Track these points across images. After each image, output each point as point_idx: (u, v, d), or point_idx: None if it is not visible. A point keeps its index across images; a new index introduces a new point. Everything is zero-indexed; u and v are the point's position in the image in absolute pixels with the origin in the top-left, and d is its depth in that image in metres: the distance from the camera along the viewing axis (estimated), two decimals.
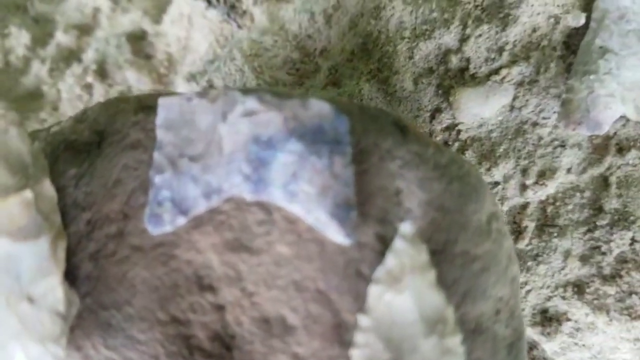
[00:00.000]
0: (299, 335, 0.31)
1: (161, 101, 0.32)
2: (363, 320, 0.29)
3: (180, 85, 0.55)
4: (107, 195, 0.33)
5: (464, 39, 0.45)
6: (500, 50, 0.44)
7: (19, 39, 0.62)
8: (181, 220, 0.31)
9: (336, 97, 0.34)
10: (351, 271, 0.31)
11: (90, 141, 0.34)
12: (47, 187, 0.31)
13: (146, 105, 0.35)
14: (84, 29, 0.63)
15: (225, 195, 0.31)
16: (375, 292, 0.29)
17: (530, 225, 0.45)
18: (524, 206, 0.45)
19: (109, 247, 0.32)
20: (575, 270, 0.45)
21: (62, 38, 0.63)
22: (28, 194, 0.30)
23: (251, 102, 0.31)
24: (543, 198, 0.45)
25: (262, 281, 0.31)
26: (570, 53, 0.44)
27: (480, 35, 0.44)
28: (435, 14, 0.45)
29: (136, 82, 0.60)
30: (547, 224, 0.45)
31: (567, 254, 0.44)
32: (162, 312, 0.32)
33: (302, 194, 0.30)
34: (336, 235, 0.30)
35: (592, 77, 0.41)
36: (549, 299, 0.45)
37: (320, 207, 0.30)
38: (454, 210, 0.32)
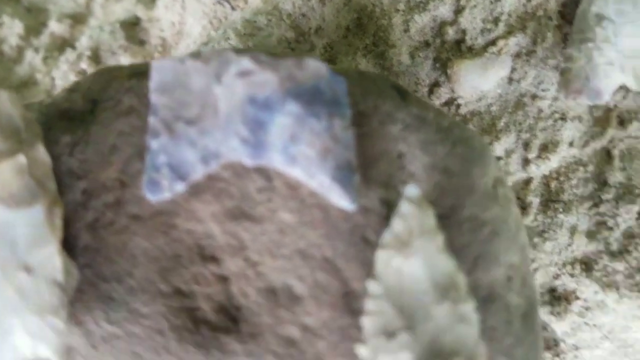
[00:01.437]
0: (307, 305, 0.30)
1: (154, 64, 0.31)
2: (373, 286, 0.28)
3: None
4: (102, 162, 0.32)
5: (458, 10, 0.44)
6: (496, 21, 0.43)
7: (12, 28, 0.61)
8: (179, 187, 0.30)
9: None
10: (357, 237, 0.30)
11: (84, 109, 0.33)
12: (41, 153, 0.30)
13: (139, 72, 0.34)
14: (78, 18, 0.63)
15: (224, 159, 0.30)
16: (383, 258, 0.28)
17: (534, 200, 0.44)
18: (527, 182, 0.45)
19: (107, 217, 0.31)
20: (582, 246, 0.44)
21: (55, 27, 0.62)
22: (21, 159, 0.29)
23: (245, 62, 0.30)
24: (546, 173, 0.44)
25: (267, 250, 0.30)
26: (566, 23, 0.44)
27: (475, 6, 0.43)
28: None
29: None
30: (551, 200, 0.44)
31: (573, 230, 0.44)
32: (164, 284, 0.31)
33: (302, 157, 0.29)
34: (340, 200, 0.29)
35: (590, 45, 0.40)
36: (557, 277, 0.44)
37: (322, 170, 0.29)
38: (459, 173, 0.31)
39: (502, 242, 0.31)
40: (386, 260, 0.28)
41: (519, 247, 0.31)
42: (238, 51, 0.31)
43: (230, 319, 0.30)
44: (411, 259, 0.28)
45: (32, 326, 0.28)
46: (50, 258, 0.29)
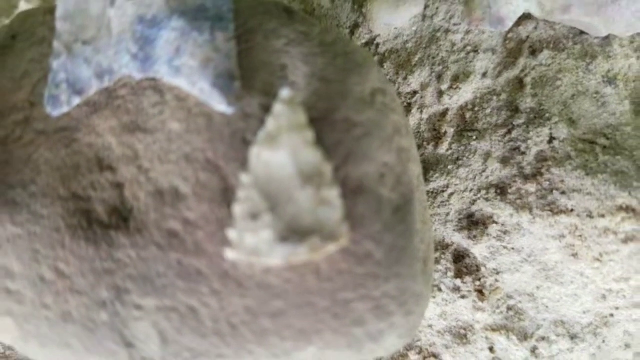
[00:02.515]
0: (189, 202, 0.32)
1: None
2: (244, 178, 0.30)
3: None
4: (15, 86, 0.35)
5: None
6: None
7: None
8: (76, 100, 0.33)
9: None
10: (238, 140, 0.32)
11: (4, 45, 0.37)
12: None
13: (53, 9, 0.37)
14: None
15: (117, 76, 0.33)
16: (255, 153, 0.30)
17: (449, 130, 0.46)
18: (444, 113, 0.46)
19: (16, 133, 0.34)
20: (496, 172, 0.45)
21: (24, 7, 0.66)
22: None
23: None
24: (462, 104, 0.46)
25: (157, 157, 0.33)
26: None
27: None
28: None
29: None
30: (466, 129, 0.46)
31: (487, 156, 0.45)
32: (63, 190, 0.33)
33: (186, 67, 0.32)
34: (219, 104, 0.32)
35: None
36: (473, 202, 0.46)
37: (203, 78, 0.32)
38: (336, 81, 0.33)
39: (374, 142, 0.33)
40: (258, 154, 0.30)
41: (394, 149, 0.33)
42: None
43: (122, 219, 0.33)
44: (279, 151, 0.30)
45: None
46: None
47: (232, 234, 0.30)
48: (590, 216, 0.43)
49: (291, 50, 0.34)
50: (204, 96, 0.32)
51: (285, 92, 0.31)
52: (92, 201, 0.33)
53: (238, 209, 0.30)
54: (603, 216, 0.42)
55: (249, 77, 0.33)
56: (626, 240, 0.42)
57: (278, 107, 0.31)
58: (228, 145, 0.32)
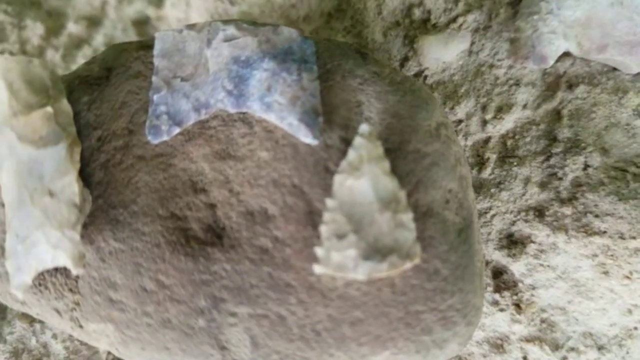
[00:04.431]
0: (278, 222, 0.36)
1: (157, 35, 0.39)
2: (329, 202, 0.34)
3: None
4: (114, 115, 0.39)
5: None
6: (456, 1, 0.50)
7: (34, 30, 0.70)
8: (175, 130, 0.37)
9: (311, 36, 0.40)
10: (320, 168, 0.36)
11: (100, 76, 0.41)
12: (65, 105, 0.37)
13: (146, 45, 0.41)
14: (93, 20, 0.71)
15: (212, 109, 0.37)
16: (338, 180, 0.34)
17: (492, 157, 0.50)
18: (486, 140, 0.51)
19: (116, 158, 0.38)
20: (535, 195, 0.50)
21: (73, 28, 0.70)
22: (49, 109, 0.36)
23: (231, 29, 0.37)
24: (503, 132, 0.50)
25: (247, 182, 0.37)
26: (517, 0, 0.50)
27: None
28: None
29: None
30: (507, 156, 0.50)
31: (526, 181, 0.50)
32: (162, 209, 0.37)
33: (276, 104, 0.36)
34: (305, 137, 0.36)
35: (535, 17, 0.47)
36: (513, 223, 0.50)
37: (292, 114, 0.36)
38: (407, 116, 0.38)
39: (440, 171, 0.37)
40: (341, 182, 0.35)
41: (457, 177, 0.37)
42: (225, 21, 0.38)
43: (216, 236, 0.37)
44: (361, 179, 0.34)
45: (53, 239, 0.35)
46: (70, 185, 0.36)
47: (319, 251, 0.34)
48: (622, 237, 0.47)
49: (366, 88, 0.38)
50: (292, 129, 0.36)
51: (364, 127, 0.36)
52: (188, 220, 0.37)
53: (325, 230, 0.34)
54: (634, 238, 0.46)
55: (329, 113, 0.37)
56: None
57: (358, 140, 0.35)
58: (312, 173, 0.36)
